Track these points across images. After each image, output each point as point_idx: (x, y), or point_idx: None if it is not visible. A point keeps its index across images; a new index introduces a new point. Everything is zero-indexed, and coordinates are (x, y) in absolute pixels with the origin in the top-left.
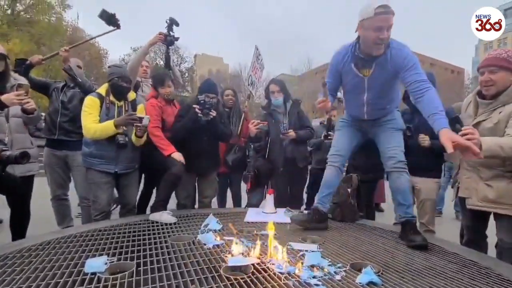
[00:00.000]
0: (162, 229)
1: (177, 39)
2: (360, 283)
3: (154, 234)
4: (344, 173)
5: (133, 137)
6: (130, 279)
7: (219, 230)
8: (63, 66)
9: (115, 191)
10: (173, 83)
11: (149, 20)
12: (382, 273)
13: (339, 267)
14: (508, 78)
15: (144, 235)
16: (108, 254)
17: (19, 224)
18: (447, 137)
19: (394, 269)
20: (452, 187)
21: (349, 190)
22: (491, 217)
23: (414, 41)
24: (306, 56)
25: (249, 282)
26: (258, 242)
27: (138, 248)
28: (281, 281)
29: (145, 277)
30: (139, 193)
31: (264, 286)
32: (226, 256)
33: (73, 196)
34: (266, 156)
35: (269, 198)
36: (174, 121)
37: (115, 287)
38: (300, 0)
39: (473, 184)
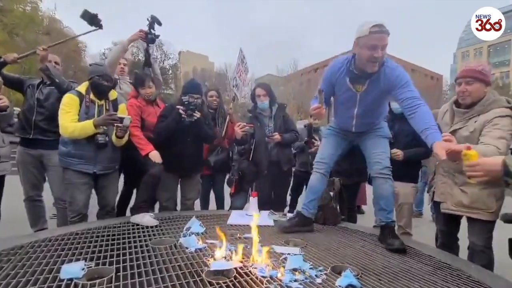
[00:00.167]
0: (143, 232)
1: (157, 36)
2: (339, 286)
3: (134, 237)
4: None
5: (114, 137)
6: (109, 285)
7: (201, 233)
8: (40, 65)
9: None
10: (154, 83)
11: (132, 13)
12: (361, 276)
13: (320, 270)
14: (482, 89)
15: (123, 238)
16: (85, 259)
17: None
18: (440, 147)
19: (372, 271)
20: (428, 192)
21: (331, 193)
22: (464, 221)
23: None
24: (292, 57)
25: (231, 286)
26: (241, 246)
27: (118, 252)
28: (263, 285)
29: (124, 282)
30: (118, 194)
31: None
32: (208, 260)
33: (47, 196)
34: (251, 158)
35: (253, 201)
36: (157, 121)
37: None
38: (287, 2)
39: (448, 189)
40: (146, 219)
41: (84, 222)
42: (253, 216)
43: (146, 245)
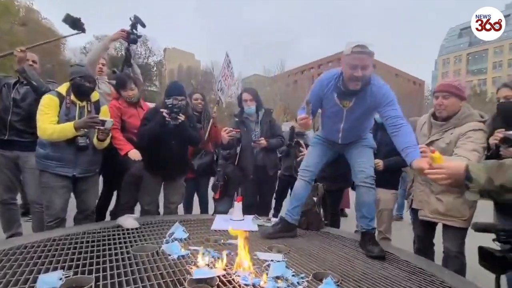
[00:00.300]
0: (124, 238)
1: (139, 37)
2: None
3: (115, 243)
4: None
5: (95, 140)
6: None
7: (185, 239)
8: (17, 67)
9: None
10: (136, 85)
11: (114, 6)
12: (341, 283)
13: (302, 278)
14: (457, 103)
15: (104, 245)
16: (63, 268)
17: None
18: (418, 165)
19: (352, 278)
20: (406, 199)
21: (315, 199)
22: (439, 227)
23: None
24: (279, 57)
25: None
26: (224, 253)
27: (97, 260)
28: None
29: None
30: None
31: None
32: (191, 268)
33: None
34: (236, 163)
35: (237, 206)
36: (140, 124)
37: None
38: (275, 3)
39: (425, 197)
40: (128, 221)
41: (62, 228)
42: (237, 221)
43: (127, 252)
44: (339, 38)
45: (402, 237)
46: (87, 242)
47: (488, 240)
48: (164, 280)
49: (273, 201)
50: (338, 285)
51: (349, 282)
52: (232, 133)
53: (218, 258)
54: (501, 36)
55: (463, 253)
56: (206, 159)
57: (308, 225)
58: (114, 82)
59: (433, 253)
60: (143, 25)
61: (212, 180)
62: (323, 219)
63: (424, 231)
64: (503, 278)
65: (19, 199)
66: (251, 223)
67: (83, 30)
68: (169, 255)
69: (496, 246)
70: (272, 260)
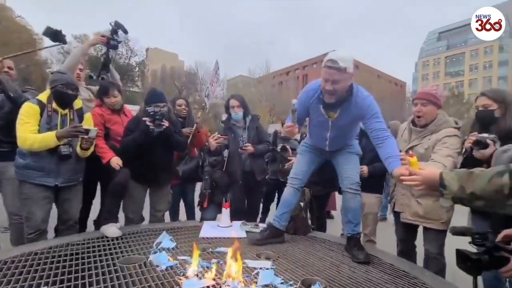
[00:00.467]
0: (110, 249)
1: (120, 42)
2: None
3: (100, 255)
4: None
5: (78, 149)
6: None
7: (172, 248)
8: None
9: None
10: (120, 92)
11: (94, 4)
12: None
13: (290, 285)
14: (435, 111)
15: (88, 257)
16: (47, 284)
17: None
18: (397, 173)
19: (338, 283)
20: (389, 203)
21: (302, 204)
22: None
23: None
24: (265, 58)
25: None
26: (213, 262)
27: (83, 273)
28: None
29: None
30: None
31: None
32: (180, 279)
33: None
34: (224, 169)
35: (225, 212)
36: (123, 135)
37: None
38: (260, 4)
39: (406, 200)
40: (111, 230)
41: (43, 240)
42: (225, 228)
43: (114, 264)
44: (323, 40)
45: (386, 237)
46: (71, 254)
47: (467, 243)
48: None
49: (260, 205)
50: None
51: (335, 287)
52: (220, 140)
53: (207, 267)
54: (476, 40)
55: (443, 254)
56: (191, 165)
57: (296, 230)
58: (92, 87)
59: (415, 254)
60: (125, 31)
61: (198, 185)
62: (310, 223)
63: (406, 234)
64: (480, 279)
65: None
66: (239, 229)
67: (64, 42)
68: (157, 266)
69: (472, 248)
70: (261, 268)
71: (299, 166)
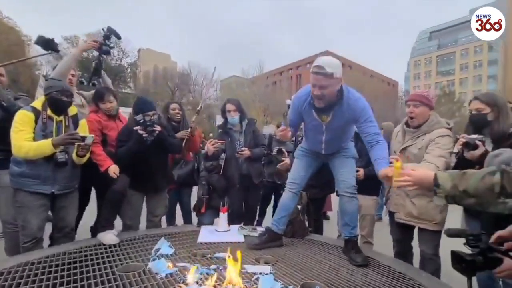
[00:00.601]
0: (108, 257)
1: (112, 48)
2: None
3: (98, 263)
4: None
5: (74, 156)
6: None
7: (171, 254)
8: None
9: None
10: (115, 97)
11: (84, 5)
12: None
13: None
14: (427, 112)
15: (87, 266)
16: None
17: None
18: (383, 173)
19: (337, 287)
20: (385, 204)
21: (299, 207)
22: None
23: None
24: (258, 59)
25: None
26: (213, 268)
27: (81, 283)
28: None
29: None
30: None
31: None
32: (180, 286)
33: None
34: (221, 172)
35: (222, 216)
36: (116, 146)
37: None
38: (253, 4)
39: (401, 200)
40: (108, 237)
41: (39, 249)
42: (223, 232)
43: (113, 273)
44: (317, 39)
45: (382, 238)
46: (69, 263)
47: (461, 244)
48: None
49: (257, 208)
50: None
51: None
52: (217, 145)
53: (207, 274)
54: (466, 39)
55: (438, 255)
56: (187, 169)
57: (294, 234)
58: (84, 92)
59: (411, 255)
60: (118, 37)
61: (194, 189)
62: (307, 226)
63: (402, 235)
64: (474, 279)
65: None
66: (236, 233)
67: (57, 50)
68: (157, 273)
69: (467, 250)
70: (260, 273)
71: (296, 170)
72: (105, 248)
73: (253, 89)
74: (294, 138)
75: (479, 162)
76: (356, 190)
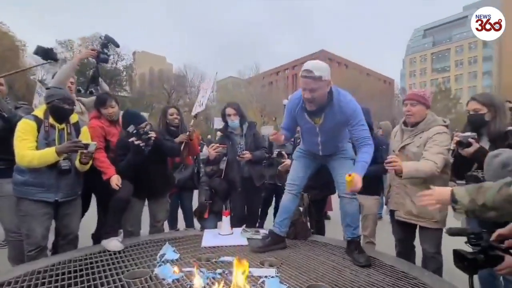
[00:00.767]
0: (113, 263)
1: (110, 56)
2: None
3: (104, 271)
4: None
5: (77, 163)
6: None
7: (176, 260)
8: None
9: None
10: (117, 102)
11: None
12: None
13: None
14: (423, 111)
15: (93, 273)
16: None
17: None
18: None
19: (342, 287)
20: (386, 204)
21: (301, 209)
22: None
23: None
24: (254, 60)
25: None
26: (219, 272)
27: None
28: None
29: None
30: None
31: None
32: None
33: None
34: (223, 176)
35: (225, 220)
36: (115, 158)
37: None
38: (248, 4)
39: (401, 199)
40: (112, 243)
41: (45, 258)
42: (226, 235)
43: (120, 280)
44: (312, 39)
45: (383, 236)
46: (75, 271)
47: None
48: None
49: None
50: None
51: None
52: (218, 149)
53: (213, 278)
54: (460, 36)
55: (440, 253)
56: (186, 173)
57: (296, 235)
58: (82, 99)
59: (414, 254)
60: (117, 45)
61: (195, 192)
62: (309, 228)
63: (403, 235)
64: (476, 276)
65: None
66: (240, 236)
67: (56, 60)
68: (163, 279)
69: (469, 248)
70: (266, 276)
71: (295, 172)
72: (110, 255)
73: (250, 89)
74: (293, 140)
75: (475, 158)
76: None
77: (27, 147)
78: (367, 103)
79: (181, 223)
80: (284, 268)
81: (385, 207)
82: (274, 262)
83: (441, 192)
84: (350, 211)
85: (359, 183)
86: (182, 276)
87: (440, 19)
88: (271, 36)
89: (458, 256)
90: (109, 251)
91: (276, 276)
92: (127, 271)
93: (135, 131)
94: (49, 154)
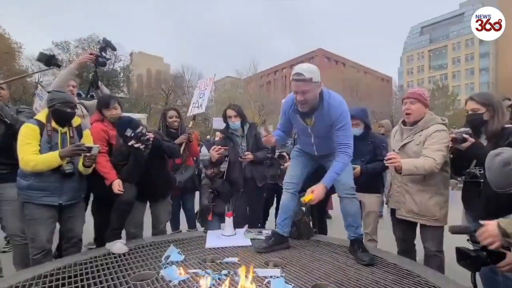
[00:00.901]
0: (119, 266)
1: (109, 59)
2: None
3: (110, 273)
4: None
5: (80, 166)
6: None
7: (181, 261)
8: None
9: None
10: (119, 105)
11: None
12: None
13: None
14: (422, 109)
15: (99, 276)
16: None
17: None
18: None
19: (347, 286)
20: (387, 204)
21: (303, 209)
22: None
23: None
24: (251, 59)
25: None
26: (224, 273)
27: None
28: None
29: None
30: None
31: None
32: None
33: None
34: (225, 177)
35: (228, 221)
36: (117, 167)
37: None
38: (245, 3)
39: (401, 197)
40: (117, 246)
41: (50, 261)
42: (230, 236)
43: (126, 282)
44: (310, 38)
45: (383, 235)
46: (81, 274)
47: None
48: None
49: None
50: None
51: None
52: (221, 151)
53: (219, 279)
54: (457, 33)
55: (442, 251)
56: (187, 175)
57: (299, 235)
58: (85, 102)
59: (415, 252)
60: (114, 49)
61: (196, 194)
62: (312, 227)
63: (405, 234)
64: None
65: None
66: (243, 237)
67: (58, 66)
68: (170, 281)
69: (471, 245)
70: (271, 277)
71: (293, 170)
72: (115, 257)
73: (248, 89)
74: (294, 140)
75: (472, 153)
76: (355, 191)
77: (30, 152)
78: (365, 101)
79: (183, 225)
80: (289, 268)
81: (385, 206)
82: (278, 262)
83: (491, 229)
84: (351, 211)
85: (320, 195)
86: (189, 278)
87: (436, 16)
88: (269, 35)
89: (461, 254)
90: (113, 253)
91: (281, 276)
92: (133, 273)
93: (133, 135)
94: (52, 158)
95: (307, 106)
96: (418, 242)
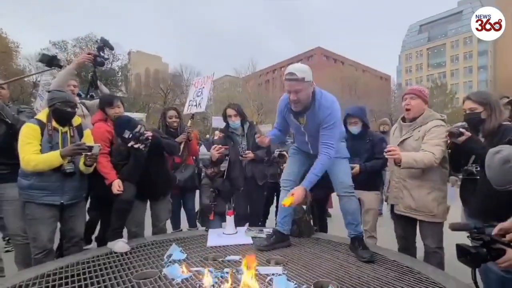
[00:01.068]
0: (121, 265)
1: (107, 59)
2: None
3: (113, 272)
4: None
5: (81, 165)
6: None
7: (183, 260)
8: None
9: None
10: (122, 103)
11: (73, 7)
12: None
13: None
14: (422, 105)
15: (102, 275)
16: None
17: None
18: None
19: (349, 283)
20: (386, 201)
21: (304, 207)
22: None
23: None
24: (250, 58)
25: None
26: (226, 271)
27: None
28: None
29: None
30: None
31: None
32: None
33: None
34: (226, 176)
35: (229, 220)
36: (118, 168)
37: None
38: (244, 3)
39: (400, 193)
40: (119, 245)
41: (52, 260)
42: (231, 235)
43: (129, 280)
44: (309, 36)
45: (383, 233)
46: (84, 273)
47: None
48: None
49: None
50: None
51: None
52: (221, 150)
53: (222, 277)
54: (456, 31)
55: (442, 248)
56: (187, 173)
57: (300, 233)
58: (86, 102)
59: (415, 249)
60: (111, 48)
61: (197, 192)
62: (313, 225)
63: (404, 230)
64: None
65: None
66: (244, 236)
67: (60, 67)
68: (172, 279)
69: (470, 242)
70: (273, 274)
71: (290, 168)
72: (117, 256)
73: (247, 88)
74: (293, 138)
75: (468, 148)
76: (353, 189)
77: (31, 151)
78: (364, 99)
79: (184, 224)
80: (291, 266)
81: (385, 203)
82: (280, 260)
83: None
84: (351, 209)
85: (300, 198)
86: (191, 276)
87: (435, 15)
88: (267, 34)
89: (461, 251)
90: (115, 252)
91: (283, 273)
92: (136, 272)
93: (131, 135)
94: (53, 158)
95: (300, 105)
96: (418, 240)
